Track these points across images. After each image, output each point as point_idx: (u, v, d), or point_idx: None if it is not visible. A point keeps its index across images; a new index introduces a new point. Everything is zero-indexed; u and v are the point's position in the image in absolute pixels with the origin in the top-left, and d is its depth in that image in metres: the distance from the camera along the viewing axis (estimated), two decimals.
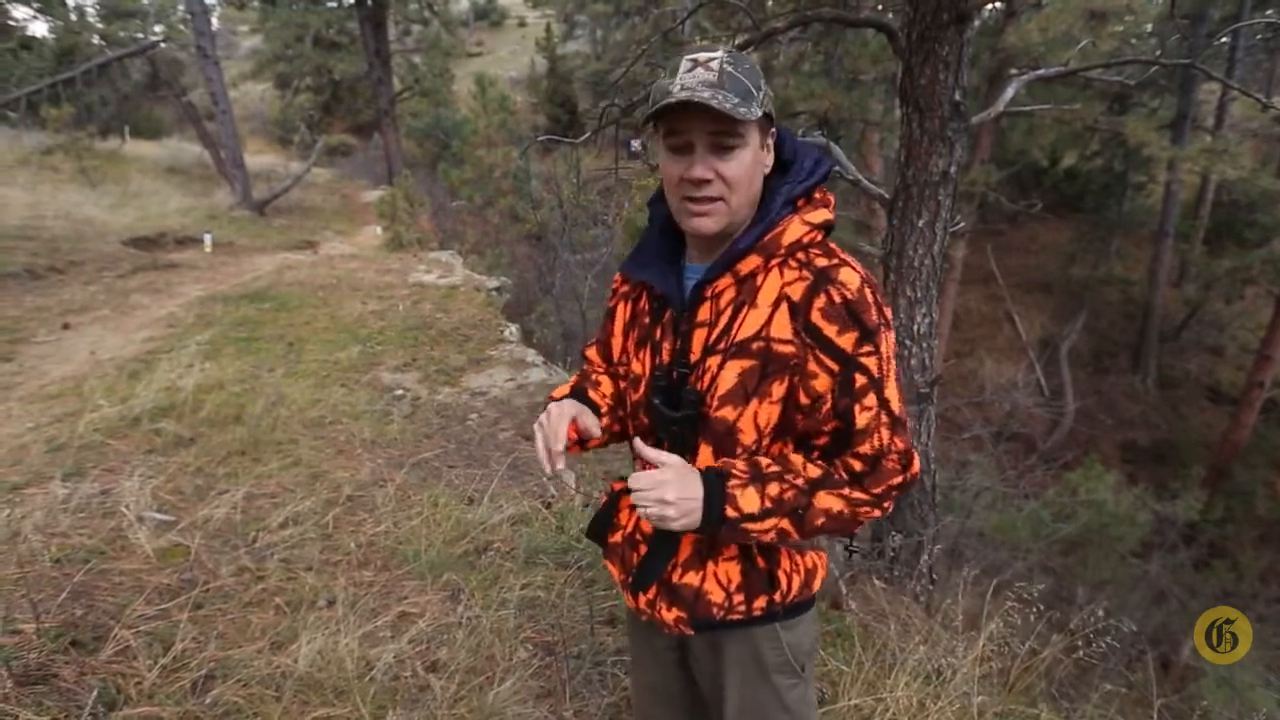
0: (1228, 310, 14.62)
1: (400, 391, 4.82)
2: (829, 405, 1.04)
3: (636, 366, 1.19)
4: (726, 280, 1.08)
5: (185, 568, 2.49)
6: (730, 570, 1.14)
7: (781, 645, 1.19)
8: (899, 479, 1.06)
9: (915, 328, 3.28)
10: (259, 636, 2.18)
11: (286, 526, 2.86)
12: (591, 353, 1.38)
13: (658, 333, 1.15)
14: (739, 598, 1.14)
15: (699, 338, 1.10)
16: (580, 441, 1.22)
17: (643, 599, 1.20)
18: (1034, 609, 2.48)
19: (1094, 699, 2.52)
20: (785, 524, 1.04)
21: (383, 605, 2.43)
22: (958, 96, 2.96)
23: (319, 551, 2.71)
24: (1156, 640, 6.46)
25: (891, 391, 1.05)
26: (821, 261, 1.05)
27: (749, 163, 1.04)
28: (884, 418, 1.05)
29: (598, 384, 1.31)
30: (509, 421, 4.43)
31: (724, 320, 1.08)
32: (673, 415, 1.10)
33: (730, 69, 1.01)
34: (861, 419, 1.04)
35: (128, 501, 2.81)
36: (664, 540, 1.16)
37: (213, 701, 1.88)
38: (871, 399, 1.04)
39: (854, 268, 1.04)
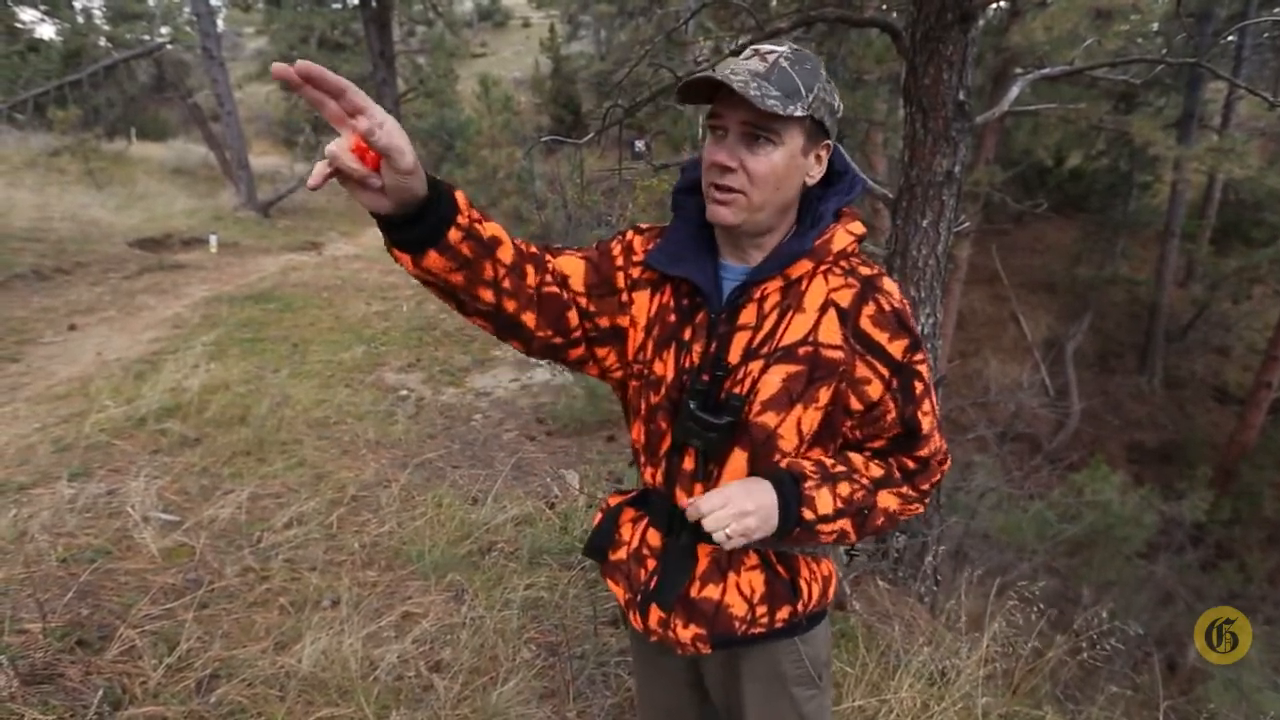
0: (1235, 310, 14.52)
1: (404, 392, 4.83)
2: (893, 414, 1.06)
3: (659, 368, 1.09)
4: (776, 283, 1.04)
5: (190, 568, 2.50)
6: (754, 580, 1.09)
7: (801, 657, 1.16)
8: (938, 476, 1.13)
9: (920, 328, 3.27)
10: (263, 636, 2.19)
11: (291, 526, 2.87)
12: (564, 261, 1.09)
13: (686, 333, 1.07)
14: (761, 609, 1.09)
15: (739, 341, 1.04)
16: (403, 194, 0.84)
17: (653, 618, 1.12)
18: (1037, 609, 2.48)
19: (1099, 701, 2.51)
20: (848, 525, 1.04)
21: (386, 605, 2.44)
22: (962, 96, 2.95)
23: (323, 552, 2.72)
24: (1163, 642, 6.42)
25: (935, 395, 1.11)
26: (865, 270, 1.05)
27: (779, 163, 0.98)
28: (936, 421, 1.10)
29: (503, 243, 0.95)
30: (513, 422, 4.43)
31: (769, 324, 1.03)
32: (714, 422, 1.01)
33: (786, 64, 0.96)
34: (925, 424, 1.08)
35: (133, 501, 2.82)
36: (681, 553, 1.10)
37: (217, 701, 1.89)
38: (928, 404, 1.08)
39: (892, 278, 1.07)
